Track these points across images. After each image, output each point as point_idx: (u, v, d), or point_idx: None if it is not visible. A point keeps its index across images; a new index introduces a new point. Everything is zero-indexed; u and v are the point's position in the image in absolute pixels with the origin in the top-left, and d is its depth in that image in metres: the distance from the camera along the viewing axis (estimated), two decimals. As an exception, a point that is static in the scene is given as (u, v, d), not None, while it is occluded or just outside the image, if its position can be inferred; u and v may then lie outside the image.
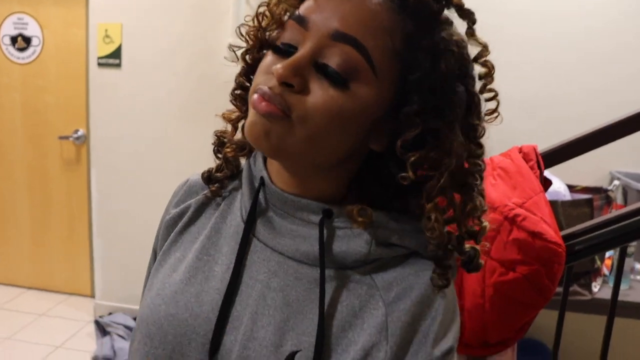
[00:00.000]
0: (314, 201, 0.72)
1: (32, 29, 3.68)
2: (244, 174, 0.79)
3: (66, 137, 3.70)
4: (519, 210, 1.34)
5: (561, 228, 1.48)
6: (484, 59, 0.70)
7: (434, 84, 0.66)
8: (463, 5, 0.69)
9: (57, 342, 3.35)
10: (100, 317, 3.46)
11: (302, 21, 0.66)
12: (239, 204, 0.79)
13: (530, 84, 3.07)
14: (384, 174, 0.73)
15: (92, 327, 3.47)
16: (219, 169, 0.82)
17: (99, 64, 3.33)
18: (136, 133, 3.39)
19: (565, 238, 1.40)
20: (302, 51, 0.65)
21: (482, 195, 0.72)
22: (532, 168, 1.49)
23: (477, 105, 0.70)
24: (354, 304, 0.70)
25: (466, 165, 0.70)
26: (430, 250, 0.71)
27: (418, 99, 0.66)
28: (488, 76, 0.71)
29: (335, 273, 0.71)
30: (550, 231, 1.33)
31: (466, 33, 0.69)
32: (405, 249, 0.72)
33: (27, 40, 3.70)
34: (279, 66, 0.64)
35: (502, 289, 1.33)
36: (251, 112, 0.67)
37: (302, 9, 0.67)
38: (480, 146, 0.71)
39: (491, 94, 0.72)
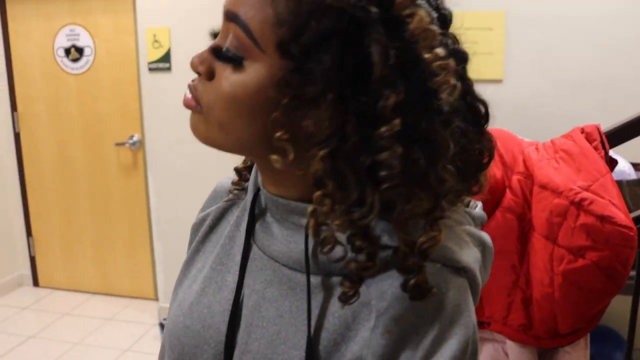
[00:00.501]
0: (302, 203, 0.66)
1: (83, 39, 3.78)
2: (250, 179, 0.76)
3: (122, 144, 3.78)
4: (585, 194, 1.28)
5: (628, 209, 1.41)
6: (406, 11, 0.56)
7: (323, 44, 0.56)
8: None
9: (124, 345, 3.45)
10: (164, 319, 3.54)
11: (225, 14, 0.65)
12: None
13: (589, 62, 2.95)
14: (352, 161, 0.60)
15: (157, 330, 3.55)
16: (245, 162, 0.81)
17: (150, 69, 3.38)
18: (190, 136, 3.42)
19: (636, 220, 1.34)
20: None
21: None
22: (596, 148, 1.42)
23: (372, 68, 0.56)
24: (346, 314, 0.62)
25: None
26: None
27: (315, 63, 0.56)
28: (417, 35, 0.56)
29: (325, 281, 0.65)
30: (620, 214, 1.26)
31: None
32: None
33: (80, 51, 3.80)
34: (192, 59, 0.65)
35: (572, 277, 1.28)
36: None
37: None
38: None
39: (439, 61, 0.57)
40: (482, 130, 0.67)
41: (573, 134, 1.46)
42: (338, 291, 0.62)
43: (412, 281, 0.58)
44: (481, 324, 1.45)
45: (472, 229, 0.70)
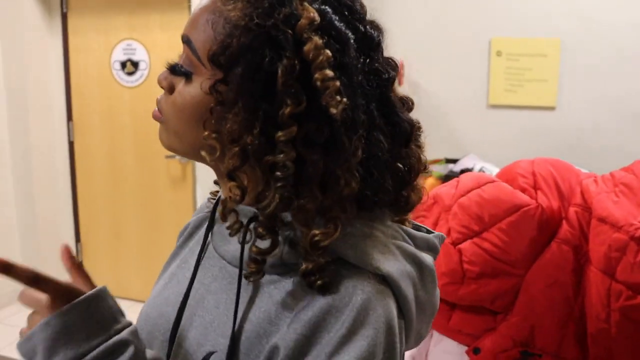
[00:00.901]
0: (248, 206, 0.70)
1: (139, 54, 3.88)
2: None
3: (172, 156, 3.86)
4: (646, 230, 1.25)
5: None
6: (304, 35, 0.64)
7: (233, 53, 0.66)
8: None
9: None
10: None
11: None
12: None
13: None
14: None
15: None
16: None
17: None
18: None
19: (699, 259, 1.30)
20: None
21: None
22: (657, 183, 1.39)
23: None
24: (270, 310, 0.67)
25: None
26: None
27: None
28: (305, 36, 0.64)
29: (267, 277, 0.70)
30: (683, 251, 1.23)
31: None
32: (328, 254, 0.65)
33: (135, 65, 3.91)
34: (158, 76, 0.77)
35: (631, 314, 1.25)
36: None
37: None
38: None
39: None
40: (409, 149, 0.75)
41: (634, 167, 1.44)
42: (270, 288, 0.69)
43: (310, 275, 0.65)
44: (532, 356, 1.42)
45: (406, 245, 0.74)
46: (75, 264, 0.70)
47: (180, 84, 0.73)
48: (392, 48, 0.80)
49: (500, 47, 3.36)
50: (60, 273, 0.66)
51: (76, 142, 4.20)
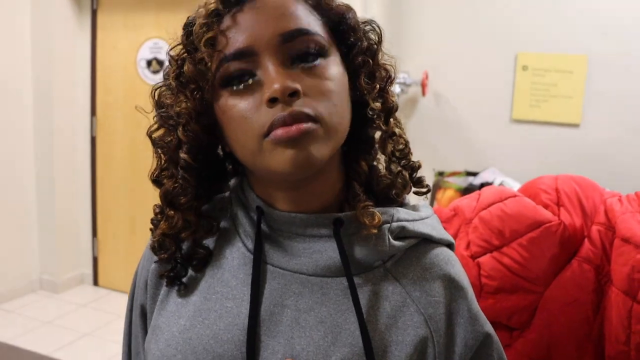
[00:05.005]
0: (321, 213, 0.72)
1: (165, 53, 3.91)
2: (237, 210, 0.77)
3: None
4: (671, 251, 1.23)
5: None
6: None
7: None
8: None
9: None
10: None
11: (244, 54, 0.66)
12: (237, 236, 0.77)
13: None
14: (360, 163, 0.76)
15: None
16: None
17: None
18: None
19: None
20: (272, 66, 0.65)
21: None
22: (683, 205, 1.36)
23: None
24: (384, 306, 0.70)
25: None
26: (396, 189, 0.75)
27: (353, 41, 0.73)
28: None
29: (359, 280, 0.71)
30: None
31: None
32: (415, 238, 0.74)
33: (161, 64, 3.94)
34: (275, 85, 0.63)
35: (652, 337, 1.22)
36: (280, 149, 0.65)
37: (234, 45, 0.66)
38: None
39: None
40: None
41: (660, 188, 1.41)
42: (375, 287, 0.71)
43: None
44: (548, 376, 1.40)
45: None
46: None
47: (310, 74, 0.67)
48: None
49: (527, 62, 3.34)
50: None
51: (98, 137, 4.24)
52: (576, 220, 1.39)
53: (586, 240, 1.38)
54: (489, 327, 0.74)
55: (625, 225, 1.32)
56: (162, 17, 3.92)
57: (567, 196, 1.42)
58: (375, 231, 0.69)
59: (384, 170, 0.75)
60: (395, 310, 0.70)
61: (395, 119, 0.76)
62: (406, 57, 3.25)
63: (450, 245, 0.81)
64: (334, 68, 0.69)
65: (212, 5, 0.68)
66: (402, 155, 0.76)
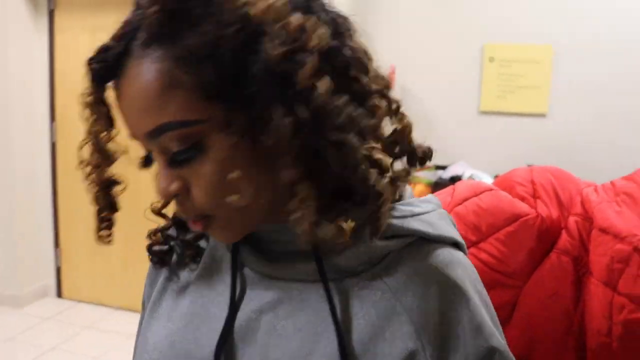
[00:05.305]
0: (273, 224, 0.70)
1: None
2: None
3: (156, 159, 3.80)
4: (649, 241, 1.21)
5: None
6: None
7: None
8: None
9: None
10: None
11: (133, 136, 0.66)
12: None
13: None
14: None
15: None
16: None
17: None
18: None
19: None
20: (158, 159, 0.65)
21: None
22: (659, 192, 1.35)
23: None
24: (370, 314, 0.64)
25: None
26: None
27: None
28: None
29: (341, 284, 0.65)
30: (687, 263, 1.19)
31: None
32: (407, 237, 0.67)
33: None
34: (159, 187, 0.65)
35: (634, 328, 1.21)
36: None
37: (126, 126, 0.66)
38: None
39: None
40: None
41: (635, 176, 1.40)
42: (360, 292, 0.64)
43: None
44: (530, 371, 1.38)
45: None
46: None
47: (192, 169, 0.63)
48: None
49: (493, 53, 3.34)
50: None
51: (58, 143, 4.12)
52: (553, 212, 1.37)
53: (564, 231, 1.37)
54: (496, 341, 0.67)
55: (602, 215, 1.31)
56: (123, 18, 3.79)
57: (544, 188, 1.40)
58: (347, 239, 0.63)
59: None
60: (382, 319, 0.64)
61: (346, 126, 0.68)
62: (372, 52, 3.21)
63: (456, 245, 0.75)
64: (217, 153, 0.60)
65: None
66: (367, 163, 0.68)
